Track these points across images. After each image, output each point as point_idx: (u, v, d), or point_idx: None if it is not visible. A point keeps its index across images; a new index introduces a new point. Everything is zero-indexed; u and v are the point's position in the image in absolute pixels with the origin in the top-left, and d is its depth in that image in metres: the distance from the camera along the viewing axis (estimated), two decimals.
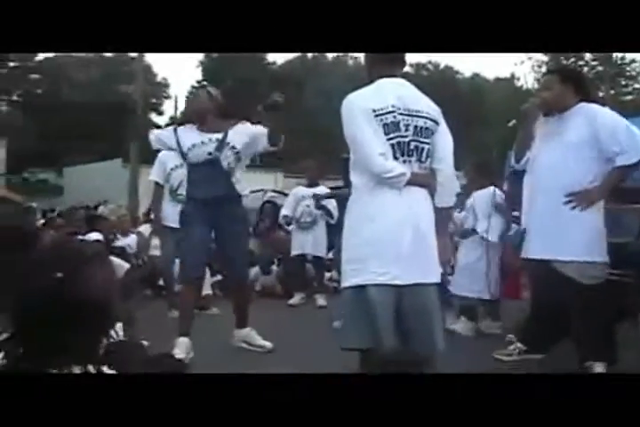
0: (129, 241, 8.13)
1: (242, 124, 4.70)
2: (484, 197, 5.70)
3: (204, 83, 4.67)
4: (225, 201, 4.56)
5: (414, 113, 3.15)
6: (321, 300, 7.57)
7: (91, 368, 1.39)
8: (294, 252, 7.82)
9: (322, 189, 7.78)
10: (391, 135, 3.09)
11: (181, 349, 4.42)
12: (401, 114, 3.11)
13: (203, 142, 4.61)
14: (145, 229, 8.44)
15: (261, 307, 7.49)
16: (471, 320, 5.76)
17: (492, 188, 5.67)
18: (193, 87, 6.33)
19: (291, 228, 7.91)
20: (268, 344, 4.84)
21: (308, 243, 7.70)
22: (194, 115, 4.80)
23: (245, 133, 4.65)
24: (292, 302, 7.66)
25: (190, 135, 4.66)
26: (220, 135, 4.60)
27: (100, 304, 1.41)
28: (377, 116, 3.08)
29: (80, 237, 6.16)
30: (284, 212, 7.82)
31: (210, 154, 4.54)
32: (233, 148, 4.59)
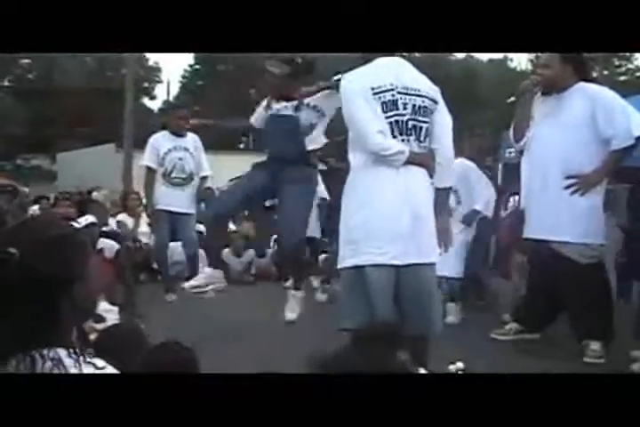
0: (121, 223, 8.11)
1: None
2: (474, 169, 5.36)
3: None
4: (294, 160, 4.17)
5: (412, 92, 3.12)
6: (316, 282, 7.56)
7: (73, 352, 1.39)
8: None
9: None
10: (389, 113, 3.06)
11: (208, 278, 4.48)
12: (399, 92, 3.08)
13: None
14: (123, 217, 8.39)
15: (258, 290, 7.53)
16: (453, 302, 5.55)
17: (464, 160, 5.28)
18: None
19: None
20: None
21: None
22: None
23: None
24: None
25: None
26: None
27: (59, 284, 1.40)
28: (375, 93, 3.05)
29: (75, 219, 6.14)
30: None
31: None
32: (314, 107, 4.21)
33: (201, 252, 7.14)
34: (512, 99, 4.23)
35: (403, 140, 3.08)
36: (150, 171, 6.44)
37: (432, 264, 3.15)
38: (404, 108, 3.09)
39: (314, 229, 7.63)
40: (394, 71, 3.14)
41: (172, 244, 6.82)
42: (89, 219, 5.93)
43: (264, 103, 4.42)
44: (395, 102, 3.07)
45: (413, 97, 3.12)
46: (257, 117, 4.50)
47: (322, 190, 7.55)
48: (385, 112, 3.06)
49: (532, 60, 34.55)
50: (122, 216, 8.41)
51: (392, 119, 3.07)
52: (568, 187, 3.81)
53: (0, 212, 5.32)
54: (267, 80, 4.33)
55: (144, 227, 8.19)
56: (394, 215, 3.03)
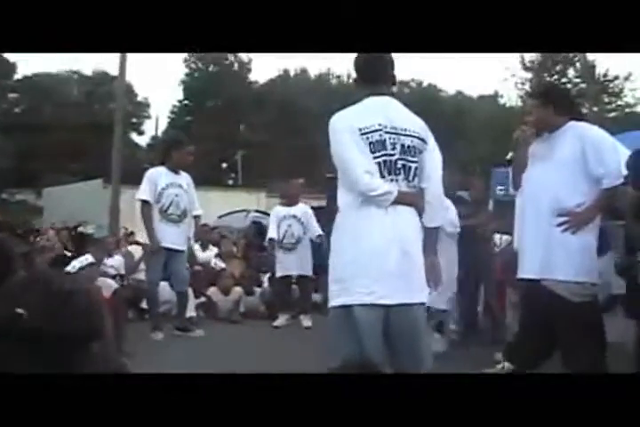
0: (113, 262, 8.08)
1: None
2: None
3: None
4: None
5: (401, 131, 3.16)
6: (306, 321, 7.54)
7: None
8: (279, 273, 7.76)
9: (302, 208, 7.77)
10: (377, 153, 3.09)
11: None
12: (387, 132, 3.12)
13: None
14: (133, 249, 8.42)
15: (246, 328, 7.48)
16: (439, 333, 5.68)
17: None
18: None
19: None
20: None
21: (292, 263, 7.64)
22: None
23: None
24: (276, 323, 7.62)
25: None
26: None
27: (75, 343, 1.39)
28: (363, 134, 3.09)
29: (74, 259, 6.15)
30: (270, 235, 7.74)
31: None
32: None
33: (189, 290, 7.18)
34: (510, 155, 4.29)
35: (391, 180, 3.11)
36: (147, 205, 6.45)
37: (421, 304, 3.16)
38: (393, 148, 3.12)
39: (306, 267, 7.65)
40: (382, 111, 3.18)
41: (161, 283, 6.81)
42: (88, 259, 5.95)
43: None
44: (383, 142, 3.10)
45: (402, 137, 3.15)
46: None
47: (316, 227, 7.61)
48: (373, 152, 3.09)
49: (521, 97, 34.99)
50: (132, 248, 8.41)
51: (380, 159, 3.10)
52: (560, 225, 3.85)
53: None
54: None
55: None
56: (381, 254, 3.05)
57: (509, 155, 4.29)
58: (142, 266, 7.78)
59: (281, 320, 7.65)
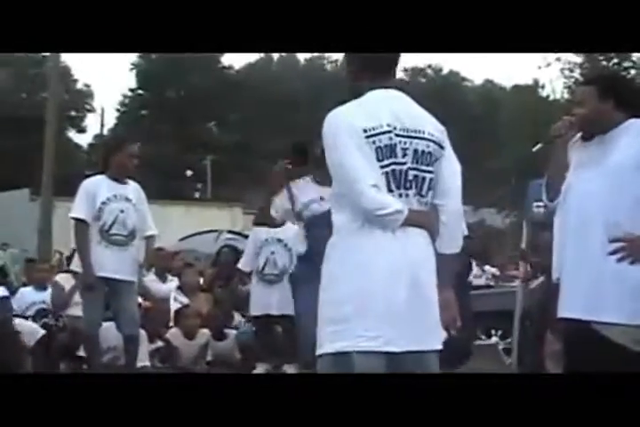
0: (44, 297, 8.08)
1: None
2: None
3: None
4: None
5: (414, 134, 3.14)
6: (291, 371, 7.54)
7: None
8: (255, 312, 7.73)
9: (290, 230, 7.42)
10: (385, 162, 3.07)
11: None
12: (398, 135, 3.10)
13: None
14: (62, 278, 8.37)
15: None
16: None
17: None
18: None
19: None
20: None
21: (273, 300, 7.54)
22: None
23: None
24: (258, 371, 7.58)
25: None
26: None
27: None
28: (368, 137, 3.06)
29: None
30: (241, 264, 7.75)
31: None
32: None
33: (141, 332, 7.15)
34: (539, 146, 4.27)
35: (400, 195, 3.10)
36: (82, 224, 6.42)
37: (435, 352, 3.15)
38: (404, 155, 3.10)
39: (290, 306, 7.56)
40: (391, 108, 3.17)
41: (105, 324, 6.75)
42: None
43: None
44: (392, 147, 3.09)
45: (415, 140, 3.14)
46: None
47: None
48: (380, 160, 3.07)
49: (569, 87, 35.13)
50: (61, 277, 8.36)
51: (389, 168, 3.08)
52: (614, 253, 3.86)
53: None
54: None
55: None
56: (388, 289, 3.04)
57: (536, 146, 4.26)
58: (78, 299, 7.78)
59: (259, 370, 7.61)
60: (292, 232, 7.41)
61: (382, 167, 3.07)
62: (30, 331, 5.84)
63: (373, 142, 3.07)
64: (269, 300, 7.57)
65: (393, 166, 3.08)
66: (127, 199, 6.51)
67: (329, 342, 3.10)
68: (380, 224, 3.06)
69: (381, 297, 3.04)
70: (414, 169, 3.13)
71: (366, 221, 3.08)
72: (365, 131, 3.07)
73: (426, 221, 3.18)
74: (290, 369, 7.49)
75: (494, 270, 20.52)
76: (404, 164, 3.11)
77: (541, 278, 6.06)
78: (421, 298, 3.09)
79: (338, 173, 3.13)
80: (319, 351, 3.16)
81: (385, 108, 3.16)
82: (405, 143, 3.12)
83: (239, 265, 7.82)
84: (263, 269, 7.56)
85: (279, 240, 7.58)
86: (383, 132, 3.09)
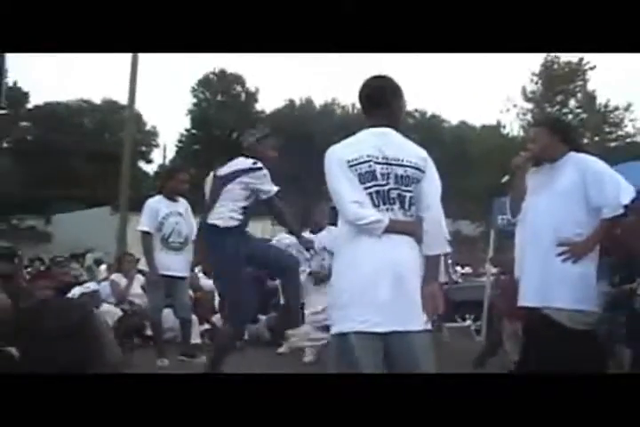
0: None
1: None
2: None
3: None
4: None
5: (394, 162, 3.17)
6: (308, 354, 7.42)
7: None
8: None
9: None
10: (368, 184, 3.12)
11: None
12: (377, 163, 3.14)
13: None
14: (117, 277, 8.37)
15: (249, 355, 7.43)
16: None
17: None
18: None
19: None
20: None
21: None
22: None
23: None
24: (281, 350, 7.58)
25: None
26: None
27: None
28: (351, 166, 3.13)
29: (78, 287, 6.14)
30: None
31: None
32: None
33: (193, 317, 7.16)
34: (506, 178, 4.28)
35: (387, 210, 3.14)
36: (148, 236, 6.47)
37: (419, 332, 3.12)
38: (386, 178, 3.15)
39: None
40: (375, 142, 3.20)
41: (165, 310, 6.80)
42: (91, 286, 5.98)
43: None
44: (372, 173, 3.14)
45: (395, 167, 3.17)
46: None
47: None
48: (362, 183, 3.13)
49: (523, 127, 35.12)
50: (115, 276, 8.39)
51: (372, 189, 3.13)
52: (560, 254, 3.86)
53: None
54: None
55: (137, 289, 8.15)
56: (373, 282, 3.07)
57: (504, 178, 4.27)
58: (136, 291, 7.86)
59: (285, 347, 7.59)
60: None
61: (366, 189, 3.13)
62: (111, 312, 5.89)
63: (356, 170, 3.13)
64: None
65: (376, 188, 3.14)
66: (179, 214, 6.61)
67: (334, 324, 3.19)
68: (365, 232, 3.11)
69: (368, 289, 3.07)
70: (396, 189, 3.17)
71: (359, 230, 3.13)
72: (349, 162, 3.15)
73: (408, 228, 3.19)
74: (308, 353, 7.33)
75: (467, 269, 20.59)
76: (386, 185, 3.15)
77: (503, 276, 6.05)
78: (402, 289, 3.10)
79: (332, 194, 3.22)
80: (331, 332, 3.23)
81: (369, 142, 3.22)
82: (385, 169, 3.16)
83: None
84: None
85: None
86: (364, 162, 3.15)
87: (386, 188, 3.15)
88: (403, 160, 3.20)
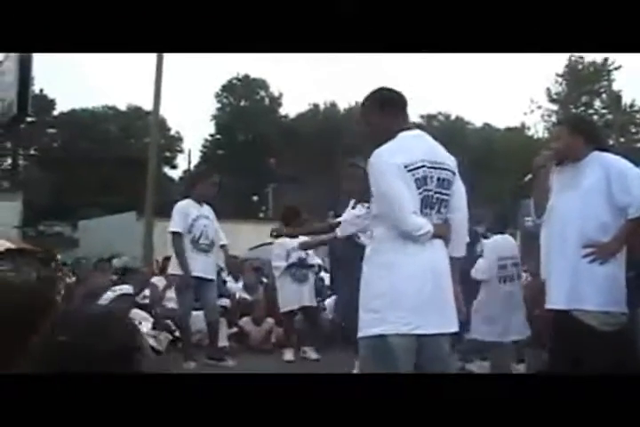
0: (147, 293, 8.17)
1: None
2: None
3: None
4: None
5: (438, 165, 3.19)
6: (311, 352, 7.41)
7: None
8: (291, 306, 7.39)
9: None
10: (420, 189, 3.12)
11: None
12: (429, 167, 3.15)
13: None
14: (158, 280, 8.49)
15: (277, 358, 7.41)
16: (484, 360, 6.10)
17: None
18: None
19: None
20: None
21: (306, 294, 7.40)
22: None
23: None
24: (286, 358, 7.36)
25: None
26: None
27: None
28: (409, 171, 3.10)
29: (112, 288, 6.20)
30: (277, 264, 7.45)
31: None
32: None
33: (222, 320, 7.20)
34: (529, 177, 4.26)
35: (426, 214, 3.15)
36: (179, 237, 6.54)
37: (450, 334, 3.21)
38: (431, 183, 3.16)
39: (310, 298, 7.47)
40: (420, 146, 3.22)
41: (194, 312, 6.85)
42: (123, 289, 6.03)
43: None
44: (425, 178, 3.14)
45: (438, 170, 3.20)
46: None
47: (313, 256, 7.53)
48: (418, 188, 3.12)
49: (548, 129, 34.87)
50: (156, 279, 8.49)
51: (422, 195, 3.14)
52: (586, 256, 3.83)
53: (37, 278, 5.41)
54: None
55: (169, 293, 8.22)
56: (417, 286, 3.09)
57: (527, 177, 4.25)
58: (170, 295, 7.87)
59: (289, 355, 7.39)
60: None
61: (419, 194, 3.12)
62: (142, 318, 5.97)
63: (413, 175, 3.11)
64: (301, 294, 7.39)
65: (425, 193, 3.15)
66: (207, 217, 6.70)
67: (370, 327, 3.15)
68: (413, 239, 3.11)
69: (411, 292, 3.09)
70: (438, 193, 3.19)
71: (399, 235, 3.13)
72: (406, 166, 3.11)
73: (443, 232, 3.22)
74: (310, 352, 7.37)
75: None
76: (432, 189, 3.16)
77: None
78: (443, 293, 3.16)
79: (384, 201, 3.17)
80: (360, 334, 3.21)
81: (416, 146, 3.21)
82: (433, 173, 3.16)
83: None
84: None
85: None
86: (420, 167, 3.13)
87: (431, 192, 3.16)
88: (443, 163, 3.23)
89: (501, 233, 6.15)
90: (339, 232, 5.32)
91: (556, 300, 3.99)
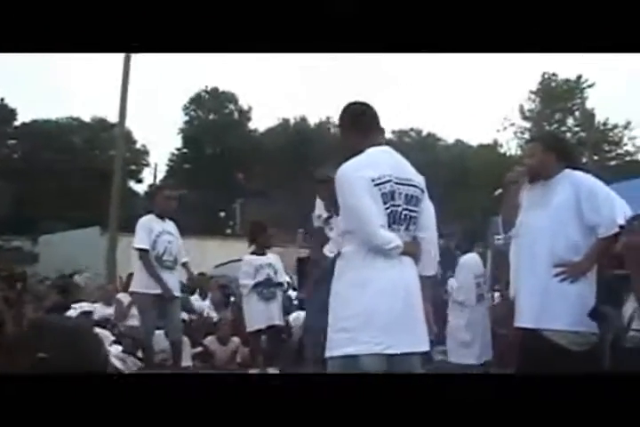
0: (110, 311, 8.08)
1: None
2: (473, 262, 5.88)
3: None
4: None
5: (405, 181, 3.21)
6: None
7: None
8: (258, 325, 7.20)
9: (274, 257, 7.40)
10: (387, 204, 3.13)
11: None
12: (396, 183, 3.17)
13: None
14: (123, 297, 8.40)
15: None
16: None
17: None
18: None
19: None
20: None
21: (274, 313, 7.24)
22: None
23: None
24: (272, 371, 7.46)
25: None
26: None
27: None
28: (376, 185, 3.12)
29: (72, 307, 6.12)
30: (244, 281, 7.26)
31: None
32: None
33: (185, 339, 7.13)
34: (499, 191, 4.30)
35: (394, 230, 3.15)
36: (146, 253, 6.48)
37: (421, 353, 3.21)
38: (399, 199, 3.17)
39: (278, 317, 7.29)
40: (387, 161, 3.23)
41: (156, 331, 6.77)
42: (83, 307, 5.97)
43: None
44: (392, 193, 3.15)
45: (406, 186, 3.21)
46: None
47: (281, 272, 7.43)
48: (384, 203, 3.13)
49: (520, 146, 35.26)
50: (121, 295, 8.40)
51: (389, 210, 3.14)
52: (557, 275, 3.86)
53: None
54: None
55: (134, 310, 8.12)
56: (389, 304, 3.09)
57: (497, 191, 4.29)
58: (134, 312, 7.77)
59: (273, 371, 7.26)
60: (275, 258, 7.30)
61: (386, 209, 3.13)
62: (104, 337, 5.88)
63: (379, 189, 3.12)
64: (269, 313, 7.23)
65: (392, 208, 3.15)
66: (170, 233, 6.66)
67: (340, 346, 3.13)
68: (383, 255, 3.11)
69: (383, 310, 3.08)
70: (406, 209, 3.20)
71: (369, 251, 3.13)
72: (373, 180, 3.12)
73: (412, 249, 3.23)
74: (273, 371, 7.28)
75: None
76: (400, 206, 3.18)
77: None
78: (413, 310, 3.16)
79: (352, 214, 3.17)
80: (329, 354, 3.18)
81: (384, 161, 3.22)
82: (400, 189, 3.18)
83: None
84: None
85: (269, 264, 7.16)
86: (386, 181, 3.15)
87: (399, 208, 3.17)
88: (411, 180, 3.25)
89: (469, 251, 6.16)
90: (327, 252, 5.15)
91: (525, 318, 4.01)
